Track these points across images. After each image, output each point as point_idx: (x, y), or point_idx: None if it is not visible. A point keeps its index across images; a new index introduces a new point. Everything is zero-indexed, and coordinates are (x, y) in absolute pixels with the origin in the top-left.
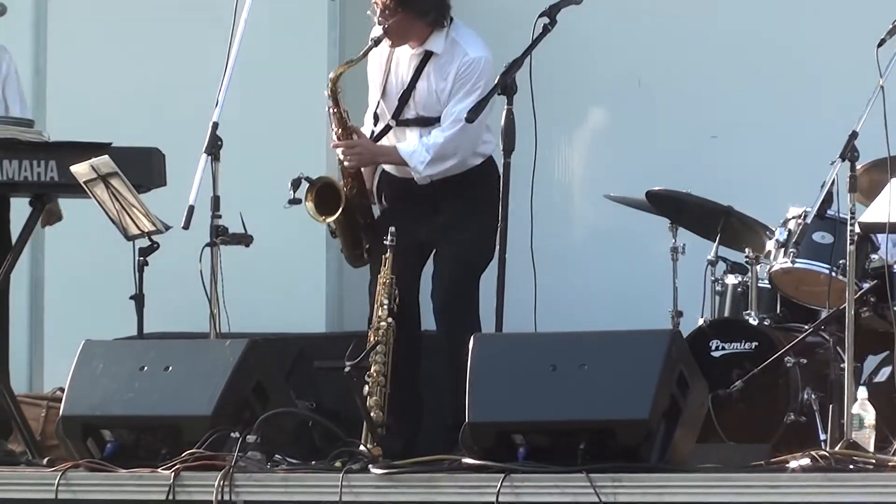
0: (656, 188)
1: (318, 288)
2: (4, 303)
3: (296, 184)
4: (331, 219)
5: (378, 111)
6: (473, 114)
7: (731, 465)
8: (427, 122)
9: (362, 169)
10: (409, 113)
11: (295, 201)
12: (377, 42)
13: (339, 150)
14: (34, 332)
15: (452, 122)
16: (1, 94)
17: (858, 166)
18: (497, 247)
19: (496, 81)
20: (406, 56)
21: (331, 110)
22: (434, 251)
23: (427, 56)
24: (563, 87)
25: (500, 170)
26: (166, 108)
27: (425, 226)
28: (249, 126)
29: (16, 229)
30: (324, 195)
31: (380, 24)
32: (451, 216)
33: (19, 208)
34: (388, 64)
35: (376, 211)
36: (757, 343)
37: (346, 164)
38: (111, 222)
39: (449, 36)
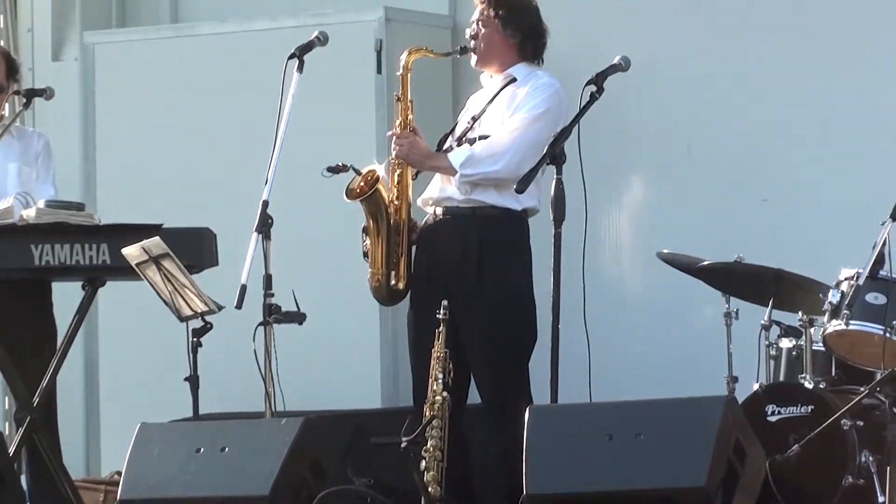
0: (706, 262)
1: (373, 364)
2: (53, 396)
3: (338, 170)
4: (361, 198)
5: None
6: (522, 184)
7: None
8: None
9: (410, 195)
10: (472, 133)
11: (335, 170)
12: (463, 51)
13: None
14: (90, 415)
15: (504, 129)
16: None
17: None
18: (551, 317)
19: (545, 151)
20: (489, 88)
21: (396, 95)
22: (472, 335)
23: (507, 83)
24: (612, 154)
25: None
26: (216, 187)
27: (458, 293)
28: (299, 203)
29: None
30: (369, 185)
31: (471, 36)
32: (487, 285)
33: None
34: (474, 105)
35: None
36: (813, 406)
37: (393, 153)
38: (164, 304)
39: (533, 71)
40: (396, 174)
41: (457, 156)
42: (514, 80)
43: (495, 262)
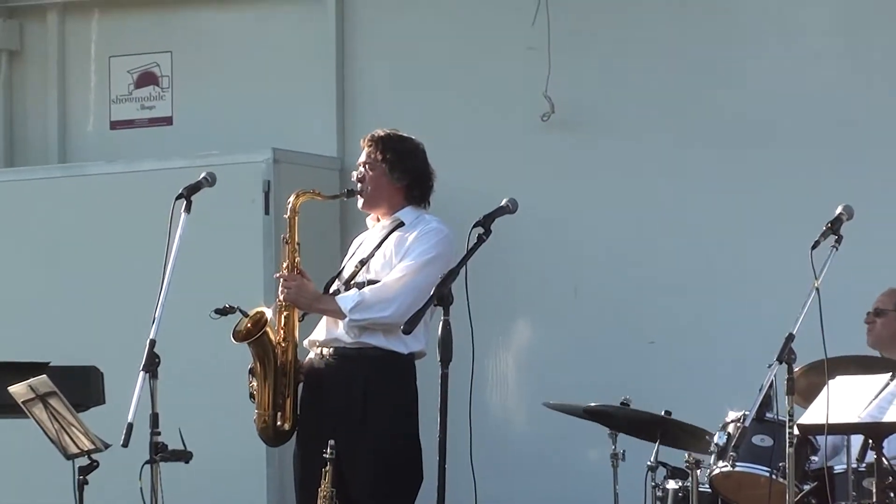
0: (593, 404)
1: (259, 502)
2: None
3: (225, 311)
4: (248, 340)
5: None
6: (409, 325)
7: None
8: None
9: (297, 335)
10: (360, 277)
11: (223, 311)
12: (350, 194)
13: (280, 284)
14: None
15: (394, 274)
16: None
17: (796, 369)
18: (437, 458)
19: (432, 292)
20: (377, 232)
21: (283, 238)
22: (357, 476)
23: (395, 227)
24: (499, 296)
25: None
26: (104, 325)
27: (344, 433)
28: (186, 343)
29: None
30: (256, 327)
31: (358, 179)
32: (372, 427)
33: None
34: (360, 247)
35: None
36: None
37: (280, 295)
38: (50, 442)
39: (421, 215)
40: (283, 316)
41: (346, 300)
42: (402, 223)
43: (380, 405)
